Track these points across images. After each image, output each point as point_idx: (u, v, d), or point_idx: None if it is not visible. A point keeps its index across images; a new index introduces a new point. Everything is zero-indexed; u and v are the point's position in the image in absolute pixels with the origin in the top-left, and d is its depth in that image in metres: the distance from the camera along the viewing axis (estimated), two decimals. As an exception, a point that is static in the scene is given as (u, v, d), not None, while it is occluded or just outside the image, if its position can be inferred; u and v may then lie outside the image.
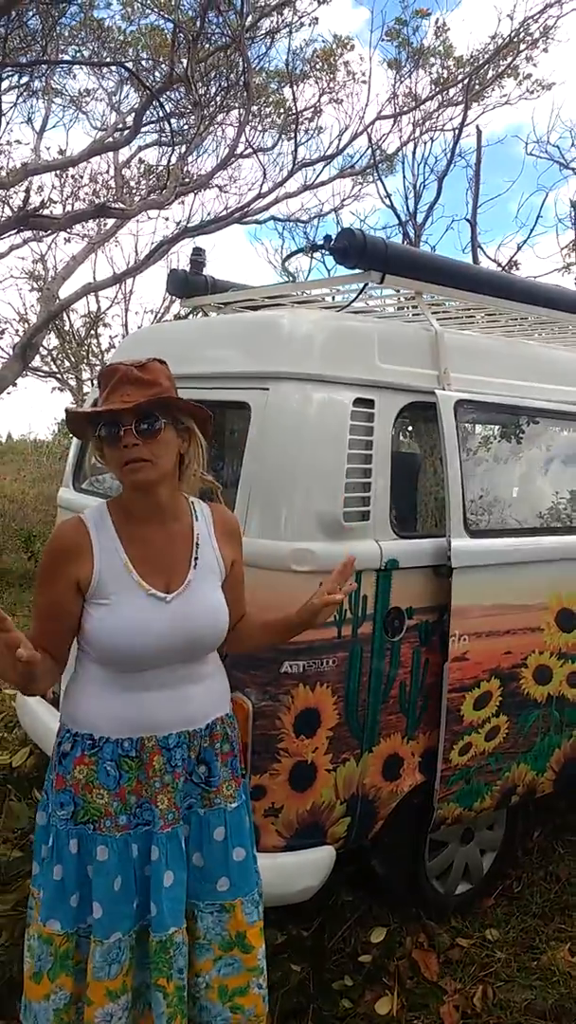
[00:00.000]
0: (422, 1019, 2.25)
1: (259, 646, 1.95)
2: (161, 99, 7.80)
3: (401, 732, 2.47)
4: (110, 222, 8.66)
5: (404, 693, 2.46)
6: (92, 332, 15.12)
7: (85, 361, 15.14)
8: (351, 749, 2.35)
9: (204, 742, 1.72)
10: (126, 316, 15.67)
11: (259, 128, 10.60)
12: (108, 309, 15.26)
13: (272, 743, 2.23)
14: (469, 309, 3.35)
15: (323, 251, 2.50)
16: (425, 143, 11.48)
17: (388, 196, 14.60)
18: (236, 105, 8.81)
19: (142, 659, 1.62)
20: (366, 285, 2.66)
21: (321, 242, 2.51)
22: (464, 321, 3.47)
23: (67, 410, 1.64)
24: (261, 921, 1.77)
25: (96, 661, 1.64)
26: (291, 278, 3.03)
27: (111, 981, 1.60)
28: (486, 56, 10.56)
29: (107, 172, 10.36)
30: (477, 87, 11.34)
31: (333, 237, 2.48)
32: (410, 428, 3.10)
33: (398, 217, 10.95)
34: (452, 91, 11.44)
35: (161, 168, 9.55)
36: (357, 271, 2.59)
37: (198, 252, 3.46)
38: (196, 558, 1.69)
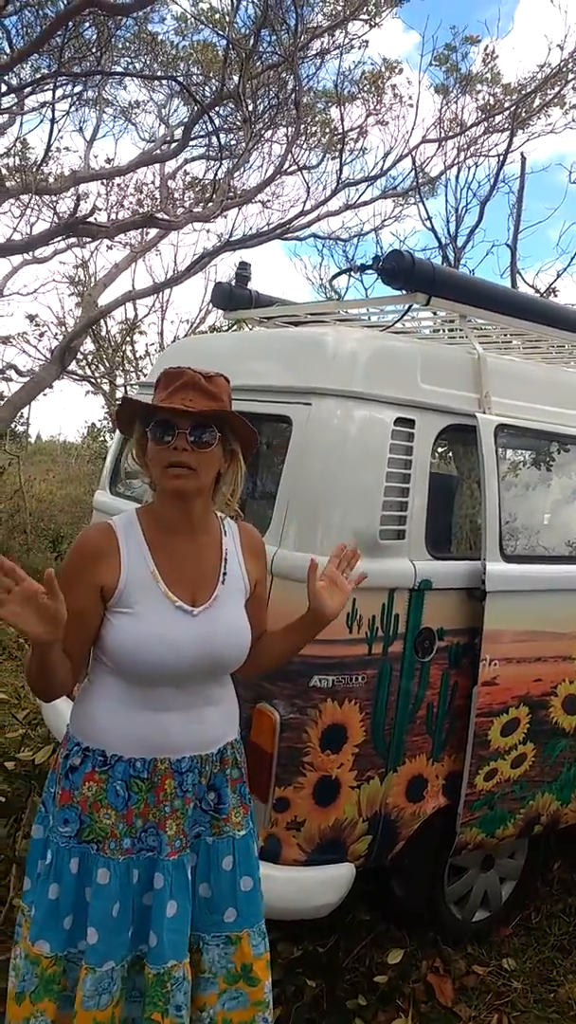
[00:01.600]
0: (436, 1045, 2.24)
1: (279, 659, 1.84)
2: (211, 114, 7.91)
3: (427, 753, 2.46)
4: (153, 232, 8.78)
5: (431, 714, 2.46)
6: (128, 339, 15.29)
7: (120, 367, 15.31)
8: (376, 767, 2.35)
9: (215, 767, 1.67)
10: (162, 324, 15.85)
11: (304, 146, 10.71)
12: (145, 317, 15.43)
13: (298, 756, 2.23)
14: (507, 335, 3.36)
15: (370, 271, 2.52)
16: (469, 167, 11.52)
17: (429, 218, 14.67)
18: (284, 123, 8.90)
19: (165, 673, 1.56)
20: (410, 307, 2.68)
21: (369, 262, 2.53)
22: (502, 346, 3.47)
23: (125, 397, 1.58)
24: (267, 953, 1.72)
25: (114, 673, 1.59)
26: (336, 296, 3.05)
27: (100, 1012, 1.53)
28: (534, 85, 10.60)
29: (152, 183, 10.53)
30: (523, 115, 11.38)
31: (382, 258, 2.50)
32: (449, 450, 3.10)
33: (438, 240, 10.98)
34: (498, 118, 11.49)
35: (206, 181, 9.69)
36: (403, 292, 2.61)
37: (244, 267, 3.51)
38: (224, 573, 1.66)
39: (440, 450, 2.80)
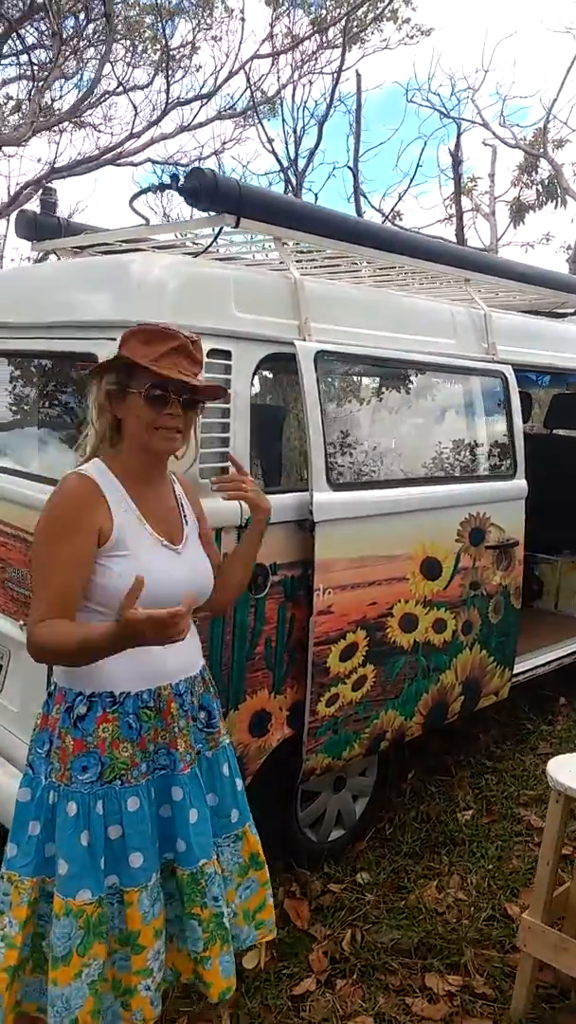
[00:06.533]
0: (291, 968, 2.28)
1: (242, 580, 2.02)
2: (20, 31, 7.24)
3: (268, 688, 2.45)
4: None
5: (270, 649, 2.44)
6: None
7: None
8: (216, 709, 2.31)
9: (200, 687, 1.82)
10: (-1, 263, 14.81)
11: (132, 64, 10.07)
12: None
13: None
14: (335, 258, 3.28)
15: (170, 190, 2.36)
16: (304, 86, 11.24)
17: (270, 141, 14.22)
18: (97, 40, 8.28)
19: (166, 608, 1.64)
20: (221, 229, 2.54)
21: (168, 181, 2.36)
22: (335, 271, 3.40)
23: (124, 356, 1.63)
24: None
25: (109, 618, 1.61)
26: (145, 221, 2.83)
27: (156, 920, 1.68)
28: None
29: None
30: (355, 29, 11.16)
31: (182, 176, 2.34)
32: (273, 380, 3.03)
33: (280, 163, 10.73)
34: (331, 32, 11.21)
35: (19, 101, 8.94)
36: (211, 214, 2.46)
37: (48, 192, 3.23)
38: (185, 515, 1.81)
39: (263, 380, 2.72)
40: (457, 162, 11.41)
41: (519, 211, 15.00)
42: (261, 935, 1.92)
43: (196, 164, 11.46)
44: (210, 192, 2.34)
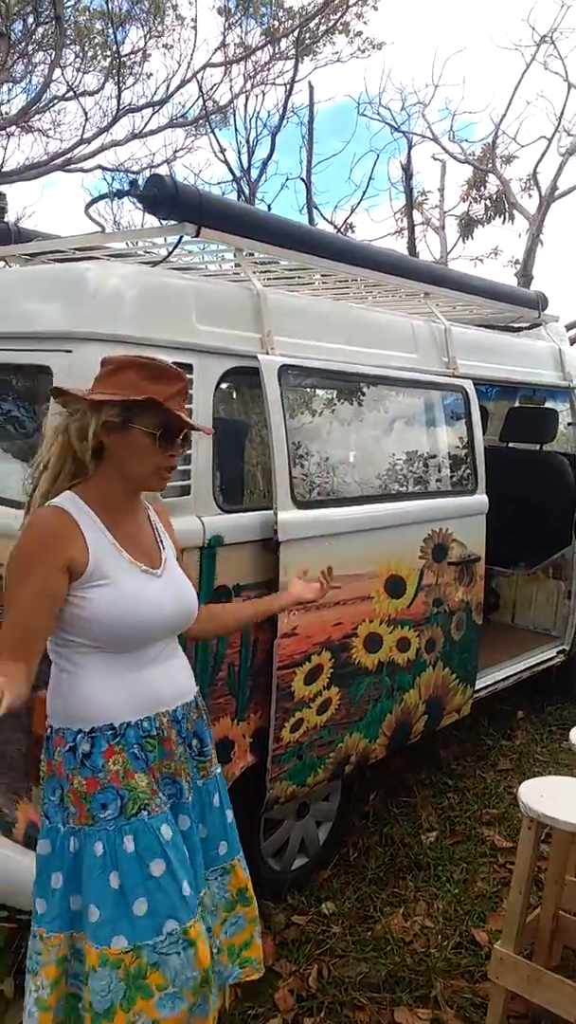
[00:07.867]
0: (256, 1008, 2.18)
1: (222, 631, 2.08)
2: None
3: (231, 715, 2.36)
4: None
5: (233, 674, 2.35)
6: None
7: None
8: (177, 738, 2.21)
9: (194, 714, 1.77)
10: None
11: (82, 70, 9.90)
12: None
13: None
14: (292, 270, 3.22)
15: (128, 197, 2.26)
16: (257, 96, 11.22)
17: (223, 151, 14.16)
18: (47, 45, 8.12)
19: (152, 633, 1.64)
20: (181, 239, 2.46)
21: (127, 187, 2.27)
22: (295, 283, 3.34)
23: (157, 402, 1.57)
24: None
25: (93, 649, 1.60)
26: (100, 228, 2.73)
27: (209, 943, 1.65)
28: (316, 7, 10.40)
29: None
30: (308, 41, 11.19)
31: (142, 183, 2.25)
32: (235, 394, 2.95)
33: (232, 172, 10.68)
34: (283, 44, 11.22)
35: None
36: (171, 223, 2.38)
37: (-2, 196, 3.10)
38: (161, 541, 1.76)
39: (226, 395, 2.63)
40: (408, 176, 11.49)
41: (468, 225, 15.23)
42: (246, 973, 1.84)
43: (148, 171, 11.33)
44: (170, 200, 2.26)
